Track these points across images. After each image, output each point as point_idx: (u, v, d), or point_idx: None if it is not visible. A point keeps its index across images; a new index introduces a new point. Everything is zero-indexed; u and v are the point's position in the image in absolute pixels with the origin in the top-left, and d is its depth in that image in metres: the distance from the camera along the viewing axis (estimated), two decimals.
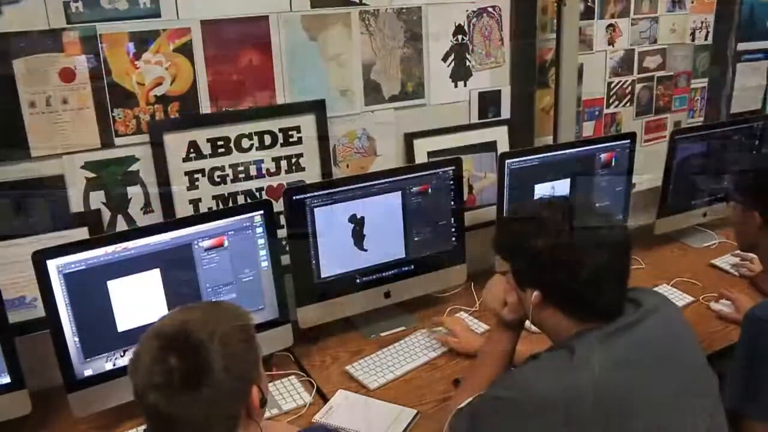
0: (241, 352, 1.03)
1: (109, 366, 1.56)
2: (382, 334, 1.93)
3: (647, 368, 1.14)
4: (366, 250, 1.89)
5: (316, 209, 1.78)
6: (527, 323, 1.37)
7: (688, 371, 1.19)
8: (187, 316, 1.03)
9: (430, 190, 1.94)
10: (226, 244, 1.64)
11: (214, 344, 0.99)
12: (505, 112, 2.28)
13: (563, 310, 1.22)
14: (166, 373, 0.96)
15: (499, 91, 2.25)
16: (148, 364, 0.98)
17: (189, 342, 0.98)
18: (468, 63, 2.16)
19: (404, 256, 1.96)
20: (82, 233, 1.68)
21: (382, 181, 1.86)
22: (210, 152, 1.81)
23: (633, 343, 1.15)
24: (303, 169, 1.95)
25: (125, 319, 1.55)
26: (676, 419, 1.13)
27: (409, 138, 2.10)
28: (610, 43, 2.45)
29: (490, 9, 2.15)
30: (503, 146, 2.27)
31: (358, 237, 1.87)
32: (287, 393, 1.66)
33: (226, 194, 1.86)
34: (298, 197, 1.75)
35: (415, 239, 1.96)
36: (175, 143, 1.76)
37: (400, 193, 1.89)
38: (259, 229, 1.68)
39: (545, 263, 1.20)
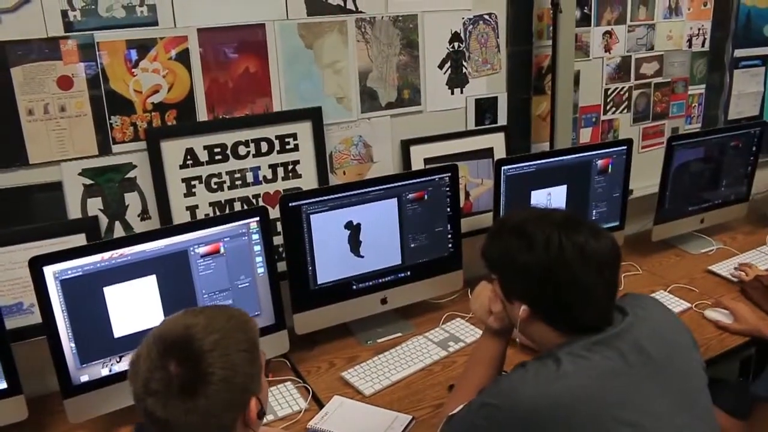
0: (243, 363, 1.01)
1: (105, 372, 1.56)
2: (379, 341, 1.93)
3: (634, 379, 1.13)
4: (362, 257, 1.90)
5: (312, 216, 1.78)
6: (514, 332, 1.36)
7: (678, 383, 1.18)
8: (191, 322, 1.01)
9: (426, 197, 1.94)
10: (222, 250, 1.65)
11: (215, 354, 0.98)
12: (502, 119, 2.28)
13: (551, 324, 1.22)
14: (164, 379, 0.95)
15: (496, 97, 2.25)
16: (148, 369, 0.97)
17: (190, 350, 0.97)
18: (464, 70, 2.17)
19: (400, 262, 1.96)
20: (79, 240, 1.69)
21: (378, 187, 1.87)
22: (207, 159, 1.82)
23: (620, 353, 1.14)
24: (299, 176, 1.96)
25: (121, 326, 1.56)
26: None
27: (406, 145, 2.11)
28: (607, 49, 2.45)
29: (486, 16, 2.16)
30: (500, 153, 2.27)
31: (355, 243, 1.88)
32: (283, 399, 1.67)
33: (223, 201, 1.87)
34: (294, 204, 1.76)
35: (412, 246, 1.96)
36: (172, 150, 1.77)
37: (396, 199, 1.90)
38: (255, 236, 1.69)
39: (533, 279, 1.20)
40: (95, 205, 1.73)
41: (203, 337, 0.98)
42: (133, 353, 1.02)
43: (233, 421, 1.02)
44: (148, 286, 1.57)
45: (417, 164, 2.13)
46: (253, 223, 1.68)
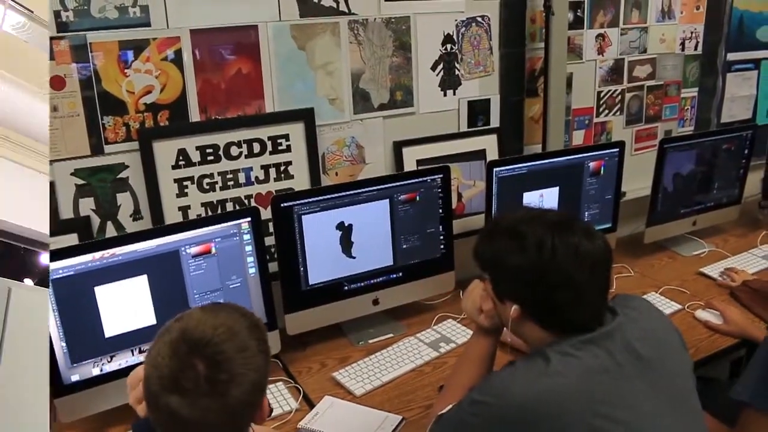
0: (262, 365, 1.02)
1: (96, 371, 1.57)
2: (370, 341, 1.93)
3: (623, 378, 1.14)
4: (354, 258, 1.90)
5: (303, 216, 1.79)
6: (504, 333, 1.37)
7: (668, 383, 1.18)
8: (214, 323, 1.00)
9: (418, 198, 1.95)
10: (213, 250, 1.65)
11: (242, 356, 0.98)
12: (494, 121, 2.29)
13: (542, 324, 1.22)
14: (194, 379, 0.95)
15: (488, 99, 2.26)
16: (177, 368, 0.96)
17: (218, 353, 0.97)
18: (457, 72, 2.18)
19: (392, 263, 1.97)
20: (71, 239, 1.69)
21: (371, 188, 1.87)
22: (199, 160, 1.83)
23: (609, 352, 1.15)
24: (292, 177, 1.97)
25: (112, 325, 1.56)
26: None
27: (398, 146, 2.12)
28: (600, 52, 2.46)
29: (479, 18, 2.17)
30: (492, 154, 2.28)
31: (346, 244, 1.88)
32: (274, 399, 1.67)
33: (215, 201, 1.88)
34: (286, 205, 1.76)
35: (403, 247, 1.97)
36: (165, 151, 1.78)
37: (388, 200, 1.90)
38: (247, 236, 1.69)
39: (525, 281, 1.20)
40: (87, 205, 1.73)
41: (228, 338, 0.99)
42: (150, 350, 1.00)
43: (250, 420, 1.04)
44: (139, 286, 1.58)
45: (409, 165, 2.14)
46: (244, 223, 1.68)
